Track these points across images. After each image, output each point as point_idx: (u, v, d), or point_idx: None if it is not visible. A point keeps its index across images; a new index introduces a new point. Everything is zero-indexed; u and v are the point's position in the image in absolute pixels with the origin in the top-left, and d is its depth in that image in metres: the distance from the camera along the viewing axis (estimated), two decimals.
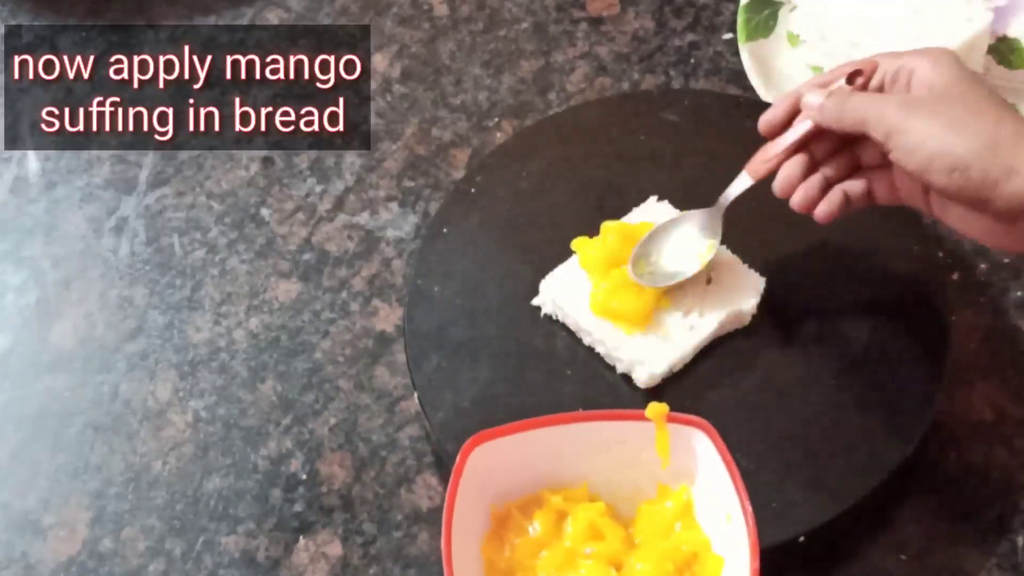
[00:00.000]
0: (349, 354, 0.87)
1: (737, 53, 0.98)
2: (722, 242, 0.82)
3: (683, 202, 0.84)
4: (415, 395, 0.81)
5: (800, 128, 0.73)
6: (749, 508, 0.63)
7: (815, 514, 0.73)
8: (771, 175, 0.74)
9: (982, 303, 0.85)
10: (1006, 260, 0.87)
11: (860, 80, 0.72)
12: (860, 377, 0.78)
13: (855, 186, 0.74)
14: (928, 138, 0.66)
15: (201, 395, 0.86)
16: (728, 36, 1.02)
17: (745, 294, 0.81)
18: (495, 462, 0.67)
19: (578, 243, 0.83)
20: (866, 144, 0.72)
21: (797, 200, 0.73)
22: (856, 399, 0.77)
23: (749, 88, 0.95)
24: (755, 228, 0.84)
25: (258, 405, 0.85)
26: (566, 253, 0.84)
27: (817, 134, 0.73)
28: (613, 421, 0.68)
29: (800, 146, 0.73)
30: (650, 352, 0.78)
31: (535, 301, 0.83)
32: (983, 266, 0.87)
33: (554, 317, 0.82)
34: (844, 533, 0.75)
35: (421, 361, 0.82)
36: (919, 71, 0.70)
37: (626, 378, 0.79)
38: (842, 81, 0.72)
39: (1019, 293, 0.85)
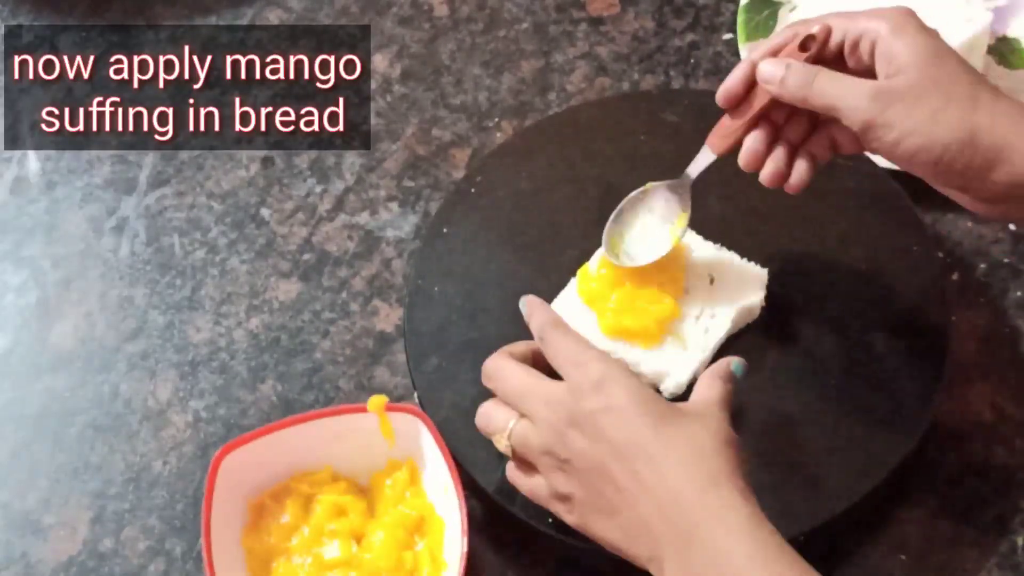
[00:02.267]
0: (349, 354, 0.87)
1: (737, 53, 0.98)
2: (719, 241, 0.82)
3: None
4: (415, 395, 0.81)
5: (757, 103, 0.72)
6: (459, 483, 0.73)
7: (815, 514, 0.73)
8: (735, 149, 0.73)
9: (982, 303, 0.85)
10: (1006, 260, 0.87)
11: (814, 48, 0.70)
12: (860, 377, 0.78)
13: (819, 144, 0.72)
14: (909, 133, 0.65)
15: (201, 395, 0.86)
16: (728, 36, 1.02)
17: (751, 288, 0.80)
18: (247, 463, 0.75)
19: (582, 275, 0.82)
20: None
21: (767, 175, 0.72)
22: (856, 399, 0.77)
23: None
24: (753, 229, 0.84)
25: (258, 405, 0.85)
26: (566, 253, 0.84)
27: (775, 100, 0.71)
28: (343, 415, 0.77)
29: (760, 115, 0.72)
30: (672, 363, 0.78)
31: None
32: (983, 266, 0.87)
33: None
34: (844, 533, 0.75)
35: (421, 361, 0.82)
36: (882, 42, 0.67)
37: None
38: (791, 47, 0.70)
39: (1019, 293, 0.85)
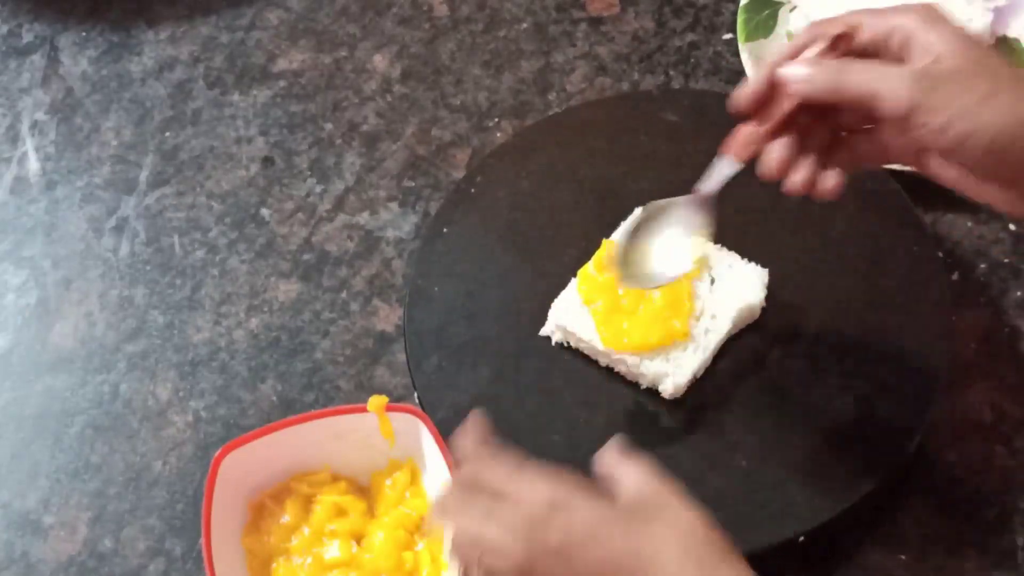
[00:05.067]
0: (349, 354, 0.87)
1: (737, 53, 0.98)
2: (719, 242, 0.82)
3: None
4: (415, 395, 0.81)
5: (779, 109, 0.67)
6: None
7: (815, 514, 0.73)
8: (755, 157, 0.69)
9: (982, 303, 0.85)
10: (1006, 260, 0.87)
11: (844, 47, 0.66)
12: (860, 377, 0.78)
13: (840, 157, 0.69)
14: (960, 115, 0.62)
15: (201, 395, 0.86)
16: (728, 36, 1.02)
17: (751, 288, 0.80)
18: (247, 463, 0.75)
19: (582, 276, 0.81)
20: (845, 110, 0.67)
21: (798, 182, 0.68)
22: (856, 399, 0.77)
23: None
24: (752, 229, 0.84)
25: (258, 405, 0.85)
26: (566, 253, 0.84)
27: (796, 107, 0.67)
28: (343, 415, 0.77)
29: (783, 123, 0.68)
30: (672, 364, 0.78)
31: (543, 331, 0.81)
32: (983, 266, 0.87)
33: (565, 345, 0.81)
34: (844, 533, 0.75)
35: (421, 361, 0.82)
36: (916, 34, 0.64)
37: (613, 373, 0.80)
38: (817, 48, 0.66)
39: (1019, 293, 0.85)
